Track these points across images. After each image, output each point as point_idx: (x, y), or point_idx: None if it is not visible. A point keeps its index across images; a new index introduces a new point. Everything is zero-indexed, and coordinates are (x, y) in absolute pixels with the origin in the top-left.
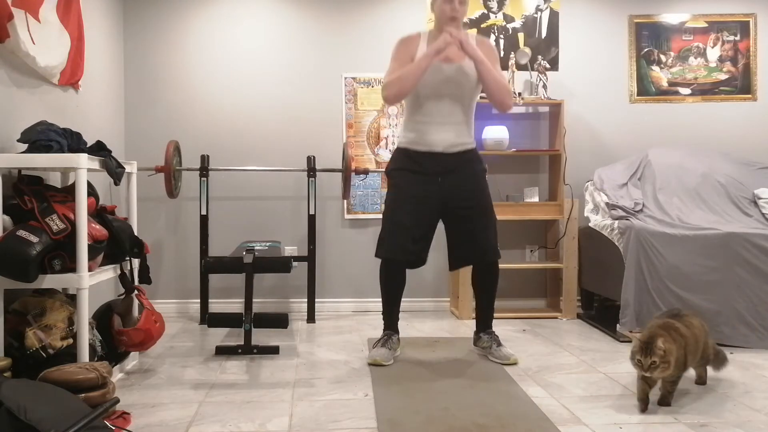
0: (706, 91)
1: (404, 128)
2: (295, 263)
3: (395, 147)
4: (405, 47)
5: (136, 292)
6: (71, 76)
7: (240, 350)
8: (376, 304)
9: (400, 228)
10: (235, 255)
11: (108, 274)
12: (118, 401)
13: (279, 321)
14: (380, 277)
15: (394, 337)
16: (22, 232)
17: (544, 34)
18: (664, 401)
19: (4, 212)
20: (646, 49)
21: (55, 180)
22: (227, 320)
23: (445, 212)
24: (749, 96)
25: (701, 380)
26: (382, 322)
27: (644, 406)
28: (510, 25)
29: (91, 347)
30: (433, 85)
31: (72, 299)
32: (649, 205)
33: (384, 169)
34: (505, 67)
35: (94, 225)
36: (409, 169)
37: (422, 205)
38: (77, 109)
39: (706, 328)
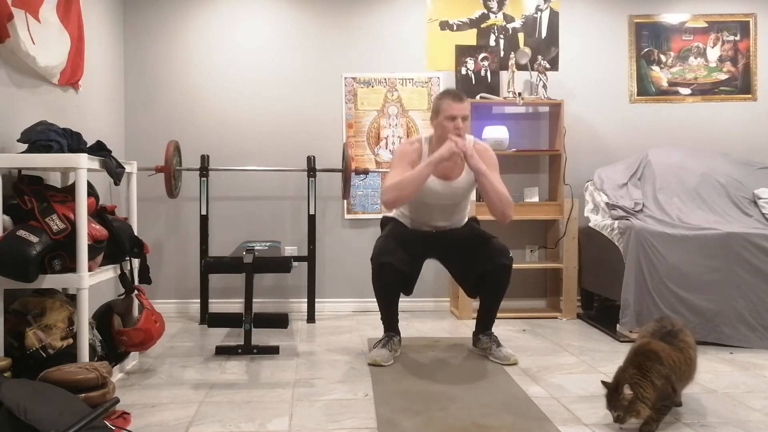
0: (706, 91)
1: (399, 212)
2: (295, 263)
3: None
4: (407, 153)
5: (136, 292)
6: (71, 76)
7: (240, 350)
8: (376, 304)
9: (391, 241)
10: (235, 255)
11: (108, 274)
12: (118, 401)
13: (279, 321)
14: (374, 286)
15: (396, 338)
16: (22, 232)
17: (544, 34)
18: (645, 428)
19: (4, 212)
20: (646, 49)
21: (55, 180)
22: (227, 320)
23: (442, 248)
24: (749, 96)
25: (676, 402)
26: (382, 325)
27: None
28: (510, 25)
29: (91, 347)
30: (427, 200)
31: (72, 299)
32: (649, 205)
33: (384, 170)
34: (505, 67)
35: (94, 225)
36: (404, 225)
37: (415, 239)
38: (77, 109)
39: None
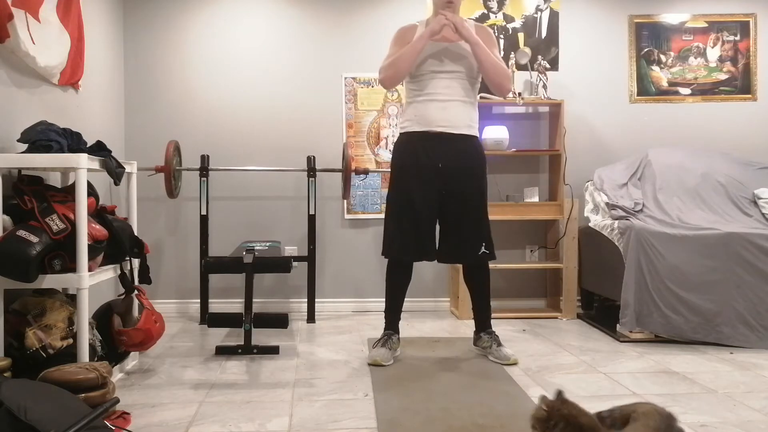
0: (706, 91)
1: (405, 110)
2: (295, 263)
3: (398, 134)
4: (402, 35)
5: (136, 292)
6: (71, 76)
7: (240, 350)
8: (376, 304)
9: (403, 230)
10: (235, 255)
11: (108, 274)
12: (118, 401)
13: (279, 321)
14: (387, 275)
15: (394, 336)
16: (22, 232)
17: (544, 34)
18: None
19: (4, 212)
20: (646, 49)
21: (55, 180)
22: (227, 320)
23: (441, 207)
24: (749, 96)
25: None
26: (384, 320)
27: None
28: (510, 25)
29: (91, 347)
30: (431, 61)
31: (72, 299)
32: (649, 205)
33: (384, 170)
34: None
35: (94, 225)
36: (410, 161)
37: (423, 206)
38: (77, 109)
39: None
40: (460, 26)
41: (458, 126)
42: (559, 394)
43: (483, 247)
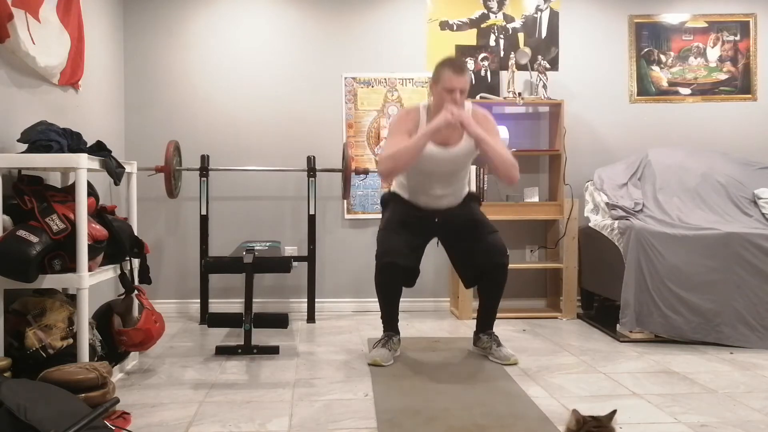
0: (706, 91)
1: (398, 182)
2: (295, 263)
3: (389, 189)
4: (404, 121)
5: (136, 292)
6: (71, 76)
7: (240, 350)
8: (376, 304)
9: (394, 235)
10: (235, 255)
11: (108, 274)
12: (118, 401)
13: (279, 321)
14: (376, 284)
15: (395, 337)
16: (22, 232)
17: (544, 34)
18: None
19: (4, 212)
20: (646, 49)
21: (55, 180)
22: (227, 320)
23: (443, 237)
24: (749, 96)
25: None
26: (382, 324)
27: None
28: (510, 25)
29: (91, 347)
30: (427, 167)
31: (72, 299)
32: (649, 205)
33: None
34: (505, 67)
35: (94, 225)
36: (404, 202)
37: (417, 224)
38: (77, 109)
39: None
40: (467, 123)
41: (453, 204)
42: (613, 413)
43: (506, 251)
